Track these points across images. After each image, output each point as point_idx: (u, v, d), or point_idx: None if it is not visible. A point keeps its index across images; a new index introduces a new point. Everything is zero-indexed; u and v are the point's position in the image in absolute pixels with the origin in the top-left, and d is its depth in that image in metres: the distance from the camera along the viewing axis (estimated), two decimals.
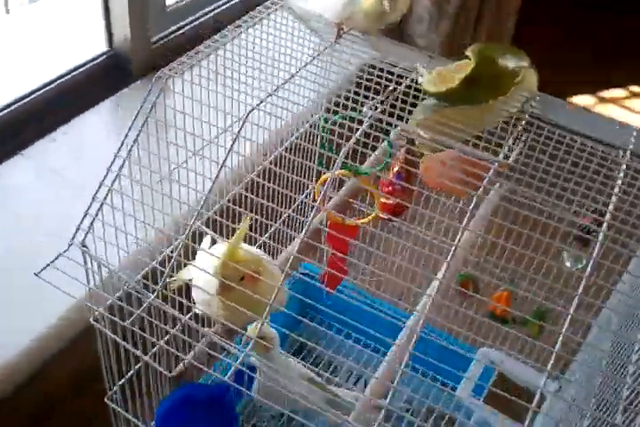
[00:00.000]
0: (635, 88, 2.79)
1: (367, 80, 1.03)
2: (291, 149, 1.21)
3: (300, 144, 1.22)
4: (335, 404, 1.01)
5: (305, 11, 1.06)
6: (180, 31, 1.79)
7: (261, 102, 0.89)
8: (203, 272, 0.83)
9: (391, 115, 0.91)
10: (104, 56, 1.66)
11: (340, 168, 1.01)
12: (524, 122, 0.91)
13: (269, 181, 0.95)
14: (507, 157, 0.84)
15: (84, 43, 1.67)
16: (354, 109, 0.91)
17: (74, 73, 1.59)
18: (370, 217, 1.03)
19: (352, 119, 0.89)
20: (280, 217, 1.27)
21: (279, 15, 1.04)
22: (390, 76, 0.99)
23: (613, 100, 2.73)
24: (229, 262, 0.82)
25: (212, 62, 0.92)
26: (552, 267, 0.89)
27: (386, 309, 1.40)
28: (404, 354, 1.04)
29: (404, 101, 0.94)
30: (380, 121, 0.84)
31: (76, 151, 1.45)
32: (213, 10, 1.88)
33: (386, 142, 0.96)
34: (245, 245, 0.87)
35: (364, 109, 0.85)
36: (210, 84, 0.89)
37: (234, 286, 0.81)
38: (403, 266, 0.86)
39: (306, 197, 1.35)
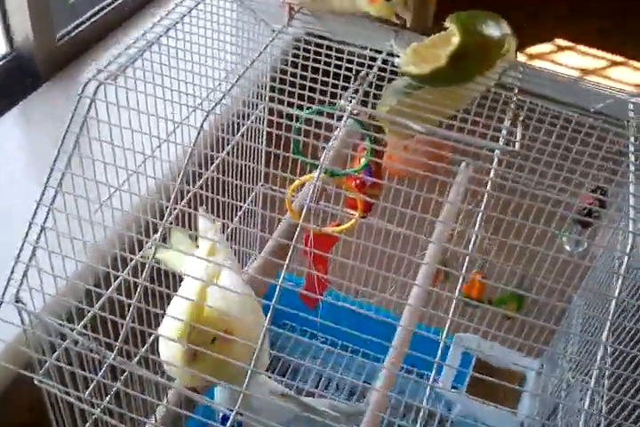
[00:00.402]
0: (560, 42, 2.72)
1: (326, 64, 0.89)
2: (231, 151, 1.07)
3: (243, 144, 1.08)
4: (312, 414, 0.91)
5: None
6: (86, 24, 1.61)
7: (202, 102, 0.75)
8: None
9: (364, 103, 0.77)
10: (5, 59, 1.47)
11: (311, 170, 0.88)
12: (514, 98, 0.79)
13: (212, 191, 0.82)
14: (509, 144, 0.71)
15: None
16: (321, 102, 0.77)
17: None
18: (350, 223, 0.90)
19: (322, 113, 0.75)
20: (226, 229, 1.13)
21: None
22: (358, 59, 0.85)
23: (540, 56, 2.65)
24: (195, 325, 0.69)
25: (146, 61, 0.76)
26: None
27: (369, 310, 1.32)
28: (401, 358, 0.94)
29: (377, 86, 0.81)
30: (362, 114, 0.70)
31: None
32: None
33: (367, 140, 0.82)
34: (228, 279, 0.74)
35: (341, 102, 0.71)
36: (146, 88, 0.74)
37: (205, 351, 0.68)
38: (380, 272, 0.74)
39: (251, 203, 1.22)
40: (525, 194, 0.73)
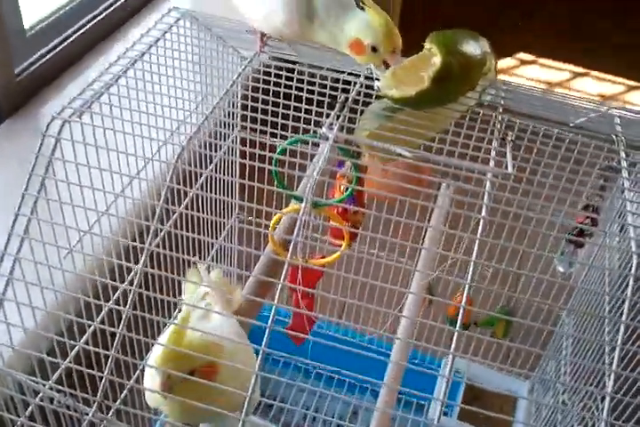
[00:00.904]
0: (523, 55, 2.72)
1: (298, 89, 0.86)
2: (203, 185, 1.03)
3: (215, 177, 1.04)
4: None
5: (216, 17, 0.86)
6: (45, 58, 1.56)
7: (172, 135, 0.71)
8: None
9: (346, 129, 0.74)
10: None
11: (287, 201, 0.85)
12: (499, 118, 0.76)
13: (185, 229, 0.78)
14: (501, 166, 0.68)
15: None
16: (295, 129, 0.74)
17: None
18: (335, 256, 0.86)
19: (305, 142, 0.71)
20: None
21: (182, 28, 0.84)
22: (331, 84, 0.82)
23: (504, 71, 2.65)
24: (175, 351, 0.66)
25: (112, 95, 0.72)
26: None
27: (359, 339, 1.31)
28: (394, 396, 0.91)
29: (355, 111, 0.77)
30: (345, 141, 0.67)
31: None
32: (78, 29, 1.65)
33: (351, 166, 0.78)
34: (220, 320, 0.70)
35: (323, 130, 0.67)
36: (114, 124, 0.69)
37: (179, 381, 0.65)
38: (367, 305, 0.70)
39: (224, 239, 1.17)
40: (519, 217, 0.70)
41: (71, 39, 1.62)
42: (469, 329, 1.27)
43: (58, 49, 1.59)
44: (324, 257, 0.90)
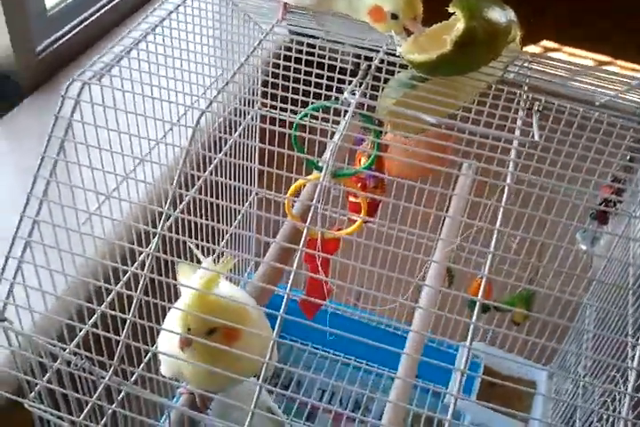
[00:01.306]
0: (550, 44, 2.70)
1: (320, 58, 0.85)
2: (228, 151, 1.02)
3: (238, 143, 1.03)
4: None
5: None
6: (66, 37, 1.56)
7: (197, 100, 0.70)
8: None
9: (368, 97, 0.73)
10: None
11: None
12: (526, 88, 0.75)
13: (210, 194, 0.77)
14: (528, 135, 0.67)
15: None
16: (319, 97, 0.73)
17: None
18: (356, 225, 0.85)
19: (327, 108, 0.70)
20: (222, 236, 1.08)
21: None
22: (354, 59, 0.81)
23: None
24: (194, 312, 0.65)
25: (133, 59, 0.71)
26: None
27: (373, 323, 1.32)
28: (415, 366, 0.90)
29: (379, 79, 0.76)
30: (363, 107, 0.66)
31: None
32: (99, 9, 1.65)
33: (372, 134, 0.77)
34: (229, 288, 0.69)
35: (345, 95, 0.66)
36: (134, 87, 0.69)
37: (198, 340, 0.64)
38: (384, 275, 0.69)
39: (250, 206, 1.17)
40: (545, 189, 0.68)
41: (91, 19, 1.63)
42: (489, 312, 1.25)
43: (78, 29, 1.59)
44: (340, 229, 0.89)
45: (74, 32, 1.58)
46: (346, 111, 0.66)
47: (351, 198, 0.97)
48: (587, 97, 0.87)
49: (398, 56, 0.74)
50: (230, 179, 0.96)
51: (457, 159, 0.73)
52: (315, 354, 1.44)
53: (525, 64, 0.83)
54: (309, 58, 0.90)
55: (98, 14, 1.64)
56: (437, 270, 0.91)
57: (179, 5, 0.77)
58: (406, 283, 0.96)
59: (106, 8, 1.66)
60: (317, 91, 0.80)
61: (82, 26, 1.60)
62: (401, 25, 0.74)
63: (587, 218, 0.94)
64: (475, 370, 1.35)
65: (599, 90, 0.85)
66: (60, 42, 1.54)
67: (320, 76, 0.85)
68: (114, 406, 0.67)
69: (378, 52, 0.77)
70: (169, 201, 0.64)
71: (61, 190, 0.65)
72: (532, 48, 2.64)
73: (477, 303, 0.67)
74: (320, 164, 0.80)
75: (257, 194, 1.11)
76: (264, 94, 0.95)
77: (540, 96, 0.79)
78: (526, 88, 0.79)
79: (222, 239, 1.01)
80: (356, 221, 0.90)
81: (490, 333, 1.37)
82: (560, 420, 1.21)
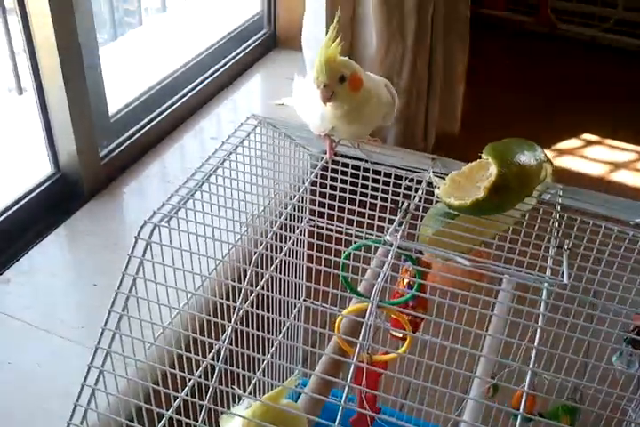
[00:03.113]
0: (586, 136, 2.75)
1: (363, 195, 0.92)
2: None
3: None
4: None
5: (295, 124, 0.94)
6: (128, 142, 1.67)
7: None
8: None
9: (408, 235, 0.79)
10: (50, 180, 1.51)
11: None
12: (558, 217, 0.81)
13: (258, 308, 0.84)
14: (555, 276, 0.72)
15: (25, 167, 1.54)
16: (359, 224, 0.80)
17: (20, 203, 1.44)
18: (405, 347, 0.90)
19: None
20: (272, 345, 1.14)
21: (259, 134, 0.92)
22: (393, 189, 0.88)
23: (570, 151, 2.68)
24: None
25: (197, 201, 0.79)
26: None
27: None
28: None
29: (417, 217, 0.83)
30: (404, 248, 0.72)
31: (35, 291, 1.30)
32: (159, 114, 1.77)
33: (411, 268, 0.83)
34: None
35: (387, 237, 0.73)
36: (197, 229, 0.77)
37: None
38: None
39: (295, 318, 1.23)
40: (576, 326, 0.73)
41: (152, 124, 1.74)
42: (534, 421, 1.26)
43: (139, 133, 1.70)
44: (387, 353, 0.94)
45: (134, 137, 1.68)
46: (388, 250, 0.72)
47: (393, 316, 1.02)
48: (621, 216, 0.91)
49: (435, 197, 0.81)
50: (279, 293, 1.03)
51: (490, 286, 0.78)
52: None
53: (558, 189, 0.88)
54: (354, 182, 0.98)
55: (155, 121, 1.75)
56: (480, 384, 0.95)
57: (237, 146, 0.86)
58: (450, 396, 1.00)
59: (164, 114, 1.78)
60: (361, 213, 0.87)
61: (142, 131, 1.71)
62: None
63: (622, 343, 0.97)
64: None
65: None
66: (122, 147, 1.65)
67: (363, 210, 0.91)
68: None
69: (416, 190, 0.83)
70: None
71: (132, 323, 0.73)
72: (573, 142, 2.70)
73: (519, 416, 0.71)
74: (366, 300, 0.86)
75: (303, 302, 1.18)
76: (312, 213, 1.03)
77: (575, 216, 0.84)
78: (559, 208, 0.84)
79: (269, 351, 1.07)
80: (398, 335, 0.95)
81: None
82: None
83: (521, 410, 0.75)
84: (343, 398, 0.66)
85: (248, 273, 0.76)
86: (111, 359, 0.73)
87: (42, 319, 1.22)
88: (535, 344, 0.67)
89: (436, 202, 0.84)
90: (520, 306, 0.76)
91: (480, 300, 0.96)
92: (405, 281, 0.97)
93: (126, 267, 0.73)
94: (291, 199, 0.87)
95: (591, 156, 2.63)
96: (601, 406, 0.98)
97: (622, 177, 2.52)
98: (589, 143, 2.71)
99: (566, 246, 0.76)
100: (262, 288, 0.95)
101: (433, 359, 1.04)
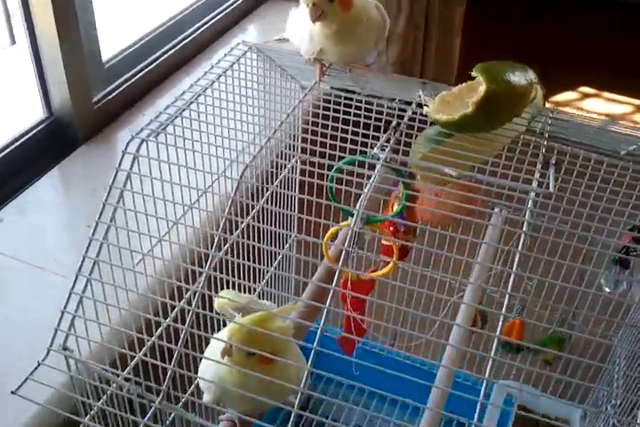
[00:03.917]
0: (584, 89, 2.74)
1: (356, 115, 0.92)
2: (268, 199, 1.10)
3: (278, 193, 1.11)
4: None
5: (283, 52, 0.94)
6: (121, 88, 1.66)
7: (240, 155, 0.77)
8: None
9: (396, 151, 0.79)
10: (43, 124, 1.51)
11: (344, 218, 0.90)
12: (545, 143, 0.81)
13: (250, 238, 0.84)
14: (542, 185, 0.72)
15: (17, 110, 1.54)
16: (352, 152, 0.80)
17: (12, 146, 1.44)
18: (388, 268, 0.91)
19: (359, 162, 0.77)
20: (263, 276, 1.15)
21: (249, 59, 0.91)
22: (387, 110, 0.88)
23: (567, 103, 2.67)
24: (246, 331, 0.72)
25: (185, 119, 0.79)
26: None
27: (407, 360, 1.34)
28: (443, 401, 0.94)
29: (408, 135, 0.83)
30: (394, 161, 0.73)
31: (29, 230, 1.30)
32: (154, 61, 1.76)
33: (401, 186, 0.84)
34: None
35: (374, 151, 0.73)
36: (185, 144, 0.77)
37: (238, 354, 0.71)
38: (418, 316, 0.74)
39: (289, 249, 1.24)
40: (561, 234, 0.73)
41: (145, 71, 1.73)
42: (522, 353, 1.28)
43: (133, 79, 1.69)
44: (375, 270, 0.95)
45: (129, 83, 1.68)
46: (374, 165, 0.73)
47: (384, 241, 1.02)
48: (611, 146, 0.91)
49: (425, 115, 0.81)
50: (271, 224, 1.03)
51: (483, 210, 0.79)
52: (352, 389, 1.48)
53: (550, 116, 0.88)
54: (346, 111, 0.98)
55: (151, 66, 1.74)
56: (466, 311, 0.96)
57: (226, 70, 0.86)
58: (437, 322, 1.01)
59: (158, 61, 1.77)
60: (353, 147, 0.87)
61: (136, 77, 1.70)
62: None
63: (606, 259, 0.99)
64: (509, 408, 1.38)
65: (623, 138, 0.90)
66: (115, 93, 1.64)
67: (356, 133, 0.91)
68: None
69: (410, 104, 0.83)
70: (215, 244, 0.71)
71: (119, 234, 0.73)
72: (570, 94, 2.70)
73: (495, 340, 0.71)
74: (353, 212, 0.86)
75: (296, 237, 1.19)
76: (303, 148, 1.03)
77: (568, 146, 0.84)
78: (547, 135, 0.84)
79: (263, 279, 1.08)
80: (389, 263, 0.96)
81: (523, 372, 1.39)
82: None
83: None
84: (321, 323, 0.67)
85: (237, 203, 0.76)
86: (91, 287, 0.74)
87: (35, 258, 1.23)
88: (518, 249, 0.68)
89: (430, 124, 0.84)
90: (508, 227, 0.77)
91: (472, 228, 0.98)
92: (395, 206, 0.98)
93: (113, 180, 0.73)
94: (282, 128, 0.87)
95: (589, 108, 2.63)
96: (586, 343, 1.00)
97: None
98: (588, 96, 2.71)
99: (552, 161, 0.77)
100: (253, 219, 0.95)
101: (423, 288, 1.06)
